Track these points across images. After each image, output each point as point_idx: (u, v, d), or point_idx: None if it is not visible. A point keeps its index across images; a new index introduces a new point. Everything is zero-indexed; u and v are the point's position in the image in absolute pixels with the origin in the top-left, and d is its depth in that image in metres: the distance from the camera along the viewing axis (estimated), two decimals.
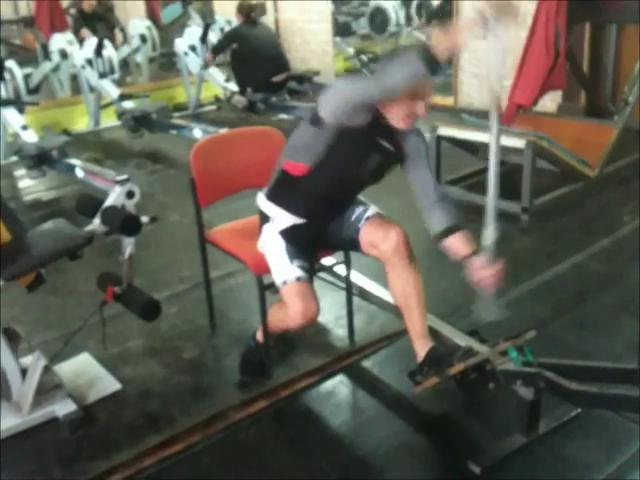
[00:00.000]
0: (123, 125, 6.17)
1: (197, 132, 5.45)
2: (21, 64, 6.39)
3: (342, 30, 9.01)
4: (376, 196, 2.51)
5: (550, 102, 5.92)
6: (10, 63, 6.23)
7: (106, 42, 6.79)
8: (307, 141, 2.26)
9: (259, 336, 2.65)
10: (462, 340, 2.38)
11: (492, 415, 2.40)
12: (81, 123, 7.06)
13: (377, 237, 2.28)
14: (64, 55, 7.07)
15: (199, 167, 2.73)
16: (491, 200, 2.21)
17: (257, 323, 2.66)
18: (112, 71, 6.76)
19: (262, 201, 2.44)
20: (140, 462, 2.23)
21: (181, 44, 7.27)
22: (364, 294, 3.00)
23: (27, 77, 6.32)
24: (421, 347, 2.26)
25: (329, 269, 2.92)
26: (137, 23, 8.36)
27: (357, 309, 2.96)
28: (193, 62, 7.20)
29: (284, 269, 2.33)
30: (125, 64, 8.17)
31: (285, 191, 2.37)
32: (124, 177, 2.93)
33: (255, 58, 6.39)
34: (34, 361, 2.42)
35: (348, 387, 2.68)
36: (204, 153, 2.77)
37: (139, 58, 8.30)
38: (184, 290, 3.37)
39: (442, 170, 4.48)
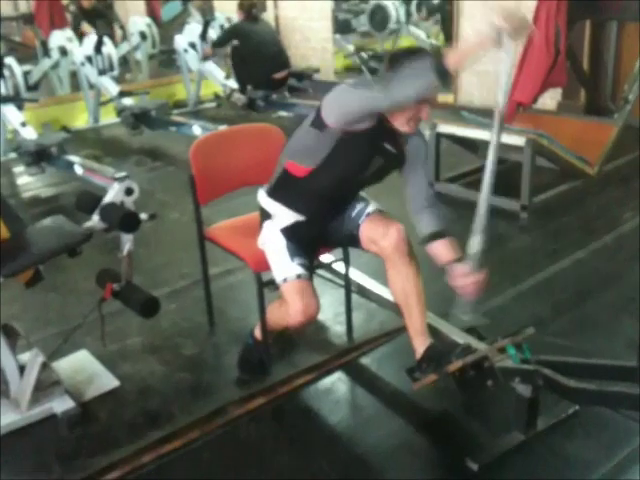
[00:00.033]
0: (122, 122, 6.17)
1: (196, 129, 5.45)
2: (20, 61, 6.40)
3: (342, 27, 8.99)
4: (377, 194, 2.50)
5: (550, 100, 5.91)
6: (9, 60, 6.24)
7: (106, 39, 6.78)
8: (309, 143, 2.25)
9: (257, 333, 2.65)
10: (460, 337, 2.38)
11: (490, 413, 2.40)
12: (80, 120, 7.06)
13: (377, 233, 2.28)
14: (64, 52, 7.05)
15: (198, 164, 2.72)
16: (482, 210, 2.21)
17: (256, 320, 2.66)
18: (112, 68, 6.75)
19: (263, 198, 2.44)
20: (139, 458, 2.23)
21: (181, 41, 7.27)
22: (363, 291, 3.00)
23: (26, 74, 6.33)
24: (420, 344, 2.26)
25: (328, 266, 2.92)
26: (137, 20, 8.34)
27: (356, 306, 2.96)
28: (193, 59, 7.20)
29: (284, 266, 2.33)
30: (125, 61, 8.16)
31: (286, 189, 2.37)
32: (123, 174, 2.93)
33: (256, 55, 6.38)
34: (32, 358, 2.42)
35: (347, 384, 2.68)
36: (203, 150, 2.77)
37: (139, 55, 8.28)
38: (183, 287, 3.37)
39: (441, 167, 4.48)
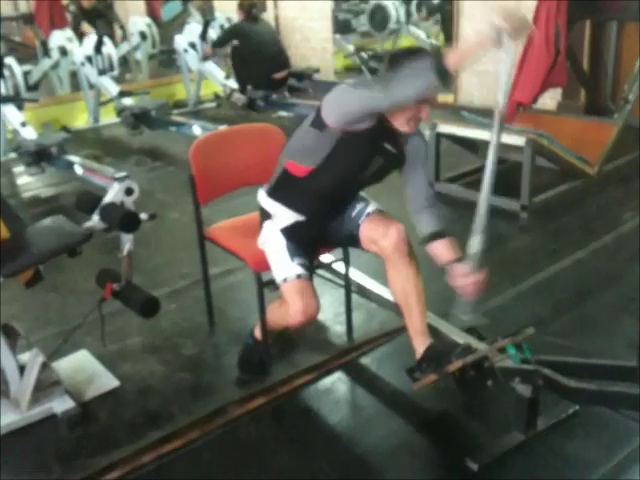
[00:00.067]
0: (122, 122, 6.17)
1: (196, 129, 5.45)
2: (20, 61, 6.40)
3: (342, 27, 8.99)
4: (377, 194, 2.50)
5: (550, 100, 5.91)
6: (9, 60, 6.24)
7: (106, 39, 6.78)
8: (309, 144, 2.25)
9: (257, 333, 2.65)
10: (460, 337, 2.38)
11: (490, 413, 2.40)
12: (80, 120, 7.06)
13: (377, 233, 2.28)
14: (64, 52, 7.05)
15: (198, 164, 2.72)
16: (482, 210, 2.21)
17: (256, 320, 2.66)
18: (112, 68, 6.75)
19: (263, 197, 2.44)
20: (139, 458, 2.23)
21: (181, 41, 7.27)
22: (363, 291, 3.00)
23: (26, 74, 6.33)
24: (420, 344, 2.26)
25: (328, 266, 2.92)
26: (137, 20, 8.34)
27: (356, 306, 2.96)
28: (193, 59, 7.20)
29: (285, 267, 2.33)
30: (125, 61, 8.17)
31: (286, 189, 2.37)
32: (123, 174, 2.93)
33: (256, 55, 6.38)
34: (32, 358, 2.42)
35: (347, 384, 2.68)
36: (203, 150, 2.77)
37: (139, 55, 8.28)
38: (183, 287, 3.37)
39: (441, 167, 4.48)
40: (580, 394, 2.07)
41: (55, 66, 7.23)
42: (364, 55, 8.62)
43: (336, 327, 2.96)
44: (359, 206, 2.40)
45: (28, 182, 5.29)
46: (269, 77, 6.46)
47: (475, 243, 2.22)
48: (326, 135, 2.17)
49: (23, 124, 5.38)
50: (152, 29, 8.22)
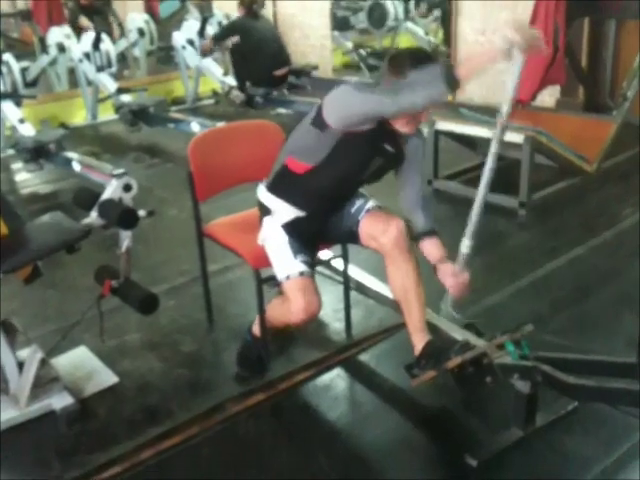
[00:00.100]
0: (121, 119, 6.16)
1: (195, 126, 5.44)
2: (18, 57, 6.38)
3: (341, 24, 8.98)
4: (375, 192, 2.50)
5: (549, 97, 5.91)
6: (7, 56, 6.21)
7: (104, 36, 6.77)
8: (310, 142, 2.24)
9: (255, 330, 2.65)
10: (459, 334, 2.38)
11: (489, 409, 2.40)
12: (79, 117, 7.04)
13: (377, 230, 2.28)
14: (62, 49, 7.03)
15: (197, 161, 2.72)
16: (475, 215, 2.23)
17: (255, 317, 2.66)
18: (110, 65, 6.73)
19: (263, 193, 2.44)
20: (138, 455, 2.24)
21: (179, 38, 7.25)
22: (362, 288, 3.00)
23: (24, 70, 6.31)
24: (419, 340, 2.26)
25: (327, 263, 2.92)
26: (135, 17, 8.32)
27: (355, 303, 2.96)
28: (191, 56, 7.18)
29: (287, 264, 2.33)
30: (123, 58, 8.15)
31: (286, 185, 2.37)
32: (121, 171, 2.93)
33: (257, 51, 6.34)
34: (31, 354, 2.42)
35: (345, 381, 2.68)
36: (202, 147, 2.77)
37: (137, 52, 8.27)
38: (182, 284, 3.36)
39: (440, 165, 4.48)
40: (579, 390, 2.07)
41: (53, 63, 7.21)
42: (362, 52, 8.61)
43: (335, 324, 2.96)
44: (358, 202, 2.40)
45: (26, 179, 5.28)
46: (270, 74, 6.43)
47: (465, 246, 2.28)
48: (327, 135, 2.17)
49: (21, 121, 5.38)
50: (150, 26, 8.21)
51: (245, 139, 2.89)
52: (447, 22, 7.44)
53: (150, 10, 9.66)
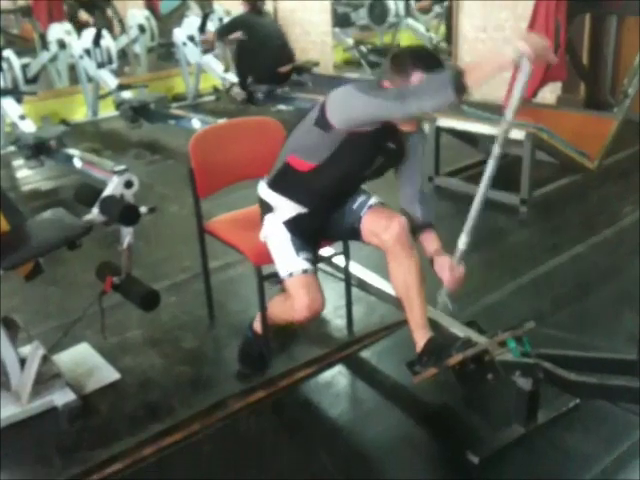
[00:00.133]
0: (121, 115, 6.16)
1: (196, 122, 5.44)
2: (19, 54, 6.38)
3: (341, 21, 8.97)
4: (376, 189, 2.50)
5: (550, 94, 5.91)
6: (8, 53, 6.21)
7: (104, 32, 6.76)
8: (313, 142, 2.24)
9: (256, 326, 2.65)
10: (461, 331, 2.38)
11: (491, 406, 2.40)
12: (79, 113, 7.04)
13: (379, 226, 2.28)
14: (62, 45, 7.03)
15: (198, 157, 2.72)
16: (474, 211, 2.23)
17: (256, 314, 2.66)
18: (110, 61, 6.73)
19: (264, 189, 2.43)
20: (140, 451, 2.24)
21: (180, 34, 7.25)
22: (363, 285, 3.00)
23: (25, 67, 6.31)
24: (420, 337, 2.26)
25: (328, 260, 2.92)
26: (135, 13, 8.31)
27: (356, 300, 2.96)
28: (192, 52, 7.18)
29: (290, 261, 2.32)
30: (123, 54, 8.14)
31: (288, 182, 2.36)
32: (122, 167, 2.92)
33: (261, 48, 6.32)
34: (33, 351, 2.42)
35: (347, 378, 2.68)
36: (203, 143, 2.76)
37: (137, 48, 8.26)
38: (183, 281, 3.36)
39: (441, 161, 4.48)
40: (580, 387, 2.07)
41: (54, 59, 7.21)
42: (363, 49, 8.60)
43: (336, 320, 2.96)
44: (360, 199, 2.40)
45: (27, 175, 5.28)
46: (274, 71, 6.42)
47: (461, 242, 2.28)
48: (331, 135, 2.17)
49: (22, 117, 5.38)
50: (151, 22, 8.20)
51: (246, 136, 2.89)
52: (450, 19, 7.43)
53: (151, 6, 9.64)
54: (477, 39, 6.66)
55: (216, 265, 3.22)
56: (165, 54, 8.66)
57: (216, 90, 7.21)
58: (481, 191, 2.20)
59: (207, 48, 7.06)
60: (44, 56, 7.08)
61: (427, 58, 2.13)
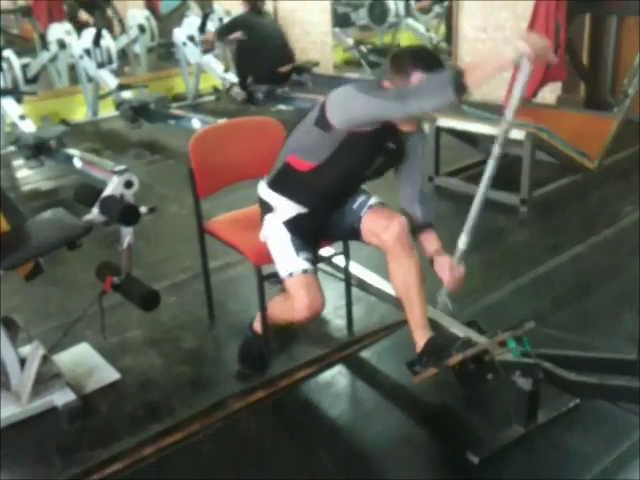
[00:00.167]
0: (121, 115, 6.16)
1: (196, 122, 5.44)
2: (19, 54, 6.38)
3: (341, 21, 8.97)
4: (377, 190, 2.50)
5: (550, 94, 5.91)
6: (8, 53, 6.21)
7: (104, 32, 6.76)
8: (313, 142, 2.24)
9: (256, 326, 2.65)
10: (461, 331, 2.38)
11: (491, 406, 2.40)
12: (79, 113, 7.04)
13: (379, 226, 2.28)
14: (62, 45, 7.03)
15: (198, 157, 2.72)
16: (474, 212, 2.24)
17: (256, 314, 2.65)
18: (110, 61, 6.73)
19: (264, 190, 2.43)
20: (140, 451, 2.24)
21: (180, 34, 7.25)
22: (363, 285, 3.00)
23: (25, 67, 6.31)
24: (420, 337, 2.26)
25: (328, 260, 2.92)
26: (135, 13, 8.31)
27: (356, 300, 2.96)
28: (192, 52, 7.18)
29: (290, 261, 2.32)
30: (123, 54, 8.15)
31: (288, 182, 2.36)
32: (122, 167, 2.92)
33: (261, 48, 6.31)
34: (33, 351, 2.42)
35: (347, 378, 2.68)
36: (203, 143, 2.77)
37: (137, 48, 8.26)
38: (183, 281, 3.36)
39: (441, 161, 4.47)
40: (580, 387, 2.07)
41: (54, 59, 7.21)
42: (363, 49, 8.60)
43: (336, 320, 2.96)
44: (360, 199, 2.40)
45: (27, 175, 5.28)
46: (274, 71, 6.42)
47: (461, 242, 2.28)
48: (331, 135, 2.17)
49: (22, 117, 5.38)
50: (151, 22, 8.20)
51: (246, 136, 2.89)
52: (450, 19, 7.42)
53: (151, 6, 9.64)
54: (477, 39, 6.66)
55: (216, 265, 3.22)
56: (165, 54, 8.66)
57: (216, 90, 7.21)
58: (481, 191, 2.20)
59: (207, 48, 7.06)
60: (44, 56, 7.08)
61: (427, 58, 2.14)
